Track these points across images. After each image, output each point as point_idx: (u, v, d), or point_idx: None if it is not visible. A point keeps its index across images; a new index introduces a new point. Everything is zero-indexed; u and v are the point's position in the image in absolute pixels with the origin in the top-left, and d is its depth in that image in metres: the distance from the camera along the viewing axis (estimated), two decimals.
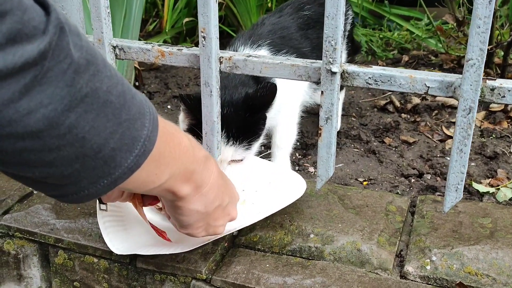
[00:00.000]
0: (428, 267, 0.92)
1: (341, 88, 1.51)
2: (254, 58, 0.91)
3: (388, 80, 0.84)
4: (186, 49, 0.94)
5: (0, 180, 1.19)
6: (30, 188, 1.17)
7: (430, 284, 0.90)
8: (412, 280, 0.92)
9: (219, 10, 2.07)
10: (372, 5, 2.22)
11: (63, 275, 1.04)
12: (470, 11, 1.76)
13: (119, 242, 0.97)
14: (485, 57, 0.75)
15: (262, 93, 1.03)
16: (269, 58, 0.90)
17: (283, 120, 1.24)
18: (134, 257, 0.98)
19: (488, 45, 1.76)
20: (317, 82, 0.87)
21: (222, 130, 1.00)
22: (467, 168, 0.85)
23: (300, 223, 1.04)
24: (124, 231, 0.99)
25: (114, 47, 0.97)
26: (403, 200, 1.13)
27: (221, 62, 0.91)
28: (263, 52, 1.18)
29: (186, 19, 2.01)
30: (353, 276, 0.92)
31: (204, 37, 0.88)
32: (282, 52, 1.19)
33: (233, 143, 1.06)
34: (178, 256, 0.96)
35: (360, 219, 1.04)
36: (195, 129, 1.06)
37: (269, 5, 2.01)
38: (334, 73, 0.84)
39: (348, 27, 1.44)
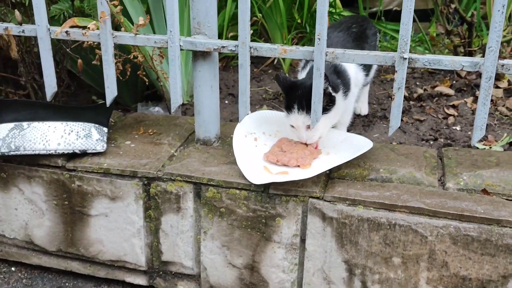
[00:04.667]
0: (461, 183, 1.45)
1: (366, 84, 2.05)
2: (349, 51, 1.42)
3: (438, 62, 1.36)
4: (301, 47, 1.44)
5: (147, 145, 1.65)
6: (173, 151, 1.63)
7: (464, 192, 1.42)
8: (452, 191, 1.43)
9: (254, 25, 2.58)
10: (374, 22, 2.78)
11: (211, 204, 1.51)
12: (456, 25, 2.34)
13: (255, 176, 1.45)
14: (499, 46, 1.28)
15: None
16: (359, 51, 1.41)
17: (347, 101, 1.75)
18: (267, 186, 1.46)
19: (469, 48, 2.34)
20: (392, 66, 1.39)
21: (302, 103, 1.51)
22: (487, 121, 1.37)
23: (371, 163, 1.54)
24: (256, 169, 1.49)
25: (250, 47, 1.46)
26: (433, 150, 1.65)
27: (326, 55, 1.41)
28: None
29: (231, 34, 2.51)
30: (415, 190, 1.43)
31: (319, 38, 1.38)
32: None
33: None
34: (297, 183, 1.45)
35: (409, 160, 1.56)
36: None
37: (299, 21, 2.53)
38: (405, 59, 1.36)
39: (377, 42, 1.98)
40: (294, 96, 1.53)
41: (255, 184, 1.44)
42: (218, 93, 1.64)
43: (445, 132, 1.92)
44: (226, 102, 2.30)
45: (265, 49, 1.47)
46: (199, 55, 1.55)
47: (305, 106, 1.50)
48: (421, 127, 1.97)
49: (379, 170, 1.51)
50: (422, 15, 2.75)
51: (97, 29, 1.54)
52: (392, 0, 3.06)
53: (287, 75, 2.47)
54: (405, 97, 2.22)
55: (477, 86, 2.23)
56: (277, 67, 2.64)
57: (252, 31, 2.56)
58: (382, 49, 2.73)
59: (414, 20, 1.34)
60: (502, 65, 1.32)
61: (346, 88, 1.63)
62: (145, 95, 2.35)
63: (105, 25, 1.53)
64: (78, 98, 2.36)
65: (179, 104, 1.57)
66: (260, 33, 2.69)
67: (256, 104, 2.23)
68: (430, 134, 1.91)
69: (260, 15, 2.52)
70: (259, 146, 1.61)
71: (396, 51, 1.37)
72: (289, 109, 1.53)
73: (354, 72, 1.72)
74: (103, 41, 1.55)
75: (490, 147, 1.82)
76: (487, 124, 1.96)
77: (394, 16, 2.86)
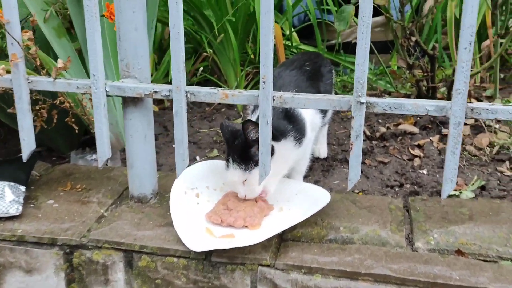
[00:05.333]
0: (432, 242, 1.26)
1: (325, 125, 1.87)
2: (298, 95, 1.23)
3: (399, 107, 1.19)
4: (245, 91, 1.25)
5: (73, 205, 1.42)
6: (103, 211, 1.41)
7: (435, 253, 1.24)
8: (422, 252, 1.25)
9: (204, 60, 2.40)
10: (332, 55, 2.64)
11: (145, 275, 1.29)
12: (417, 58, 2.20)
13: (196, 242, 1.24)
14: (468, 87, 1.12)
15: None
16: (310, 95, 1.23)
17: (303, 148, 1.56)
18: (209, 253, 1.25)
19: (432, 83, 2.21)
20: (347, 111, 1.21)
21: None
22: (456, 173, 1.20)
23: (330, 220, 1.35)
24: (197, 232, 1.27)
25: (186, 92, 1.27)
26: (398, 201, 1.47)
27: (273, 99, 1.23)
28: None
29: None
30: (380, 253, 1.23)
31: (264, 82, 1.20)
32: None
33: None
34: (245, 249, 1.24)
35: (373, 215, 1.37)
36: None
37: (252, 56, 2.36)
38: (362, 103, 1.18)
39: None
40: (232, 147, 1.34)
41: (195, 251, 1.23)
42: (154, 143, 1.44)
43: (411, 176, 1.75)
44: (174, 146, 2.09)
45: (203, 93, 1.27)
46: (129, 101, 1.35)
47: (241, 158, 1.31)
48: (385, 171, 1.80)
49: (339, 228, 1.32)
50: (382, 47, 2.62)
51: (8, 73, 1.32)
52: (351, 32, 2.92)
53: (239, 117, 2.28)
54: (367, 136, 2.06)
55: (443, 123, 2.08)
56: (232, 105, 2.45)
57: (202, 68, 2.38)
58: (341, 83, 2.58)
59: (373, 52, 1.16)
60: (472, 109, 1.16)
61: (300, 134, 1.44)
62: (83, 140, 2.12)
63: (18, 69, 1.31)
64: (8, 144, 2.12)
65: (107, 158, 1.36)
66: (211, 69, 2.51)
67: (205, 147, 2.03)
68: (395, 179, 1.74)
69: (211, 50, 2.34)
70: (201, 204, 1.41)
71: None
72: (227, 161, 1.34)
73: (310, 115, 1.54)
74: (16, 87, 1.34)
75: (461, 192, 1.65)
76: None
77: (354, 48, 2.71)
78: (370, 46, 1.17)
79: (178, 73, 1.25)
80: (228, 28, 2.28)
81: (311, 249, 1.25)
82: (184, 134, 1.30)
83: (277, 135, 1.36)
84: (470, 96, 2.18)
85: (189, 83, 2.39)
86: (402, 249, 1.26)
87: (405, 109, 1.19)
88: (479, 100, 2.23)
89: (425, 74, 2.21)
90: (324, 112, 1.64)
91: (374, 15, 1.18)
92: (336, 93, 2.46)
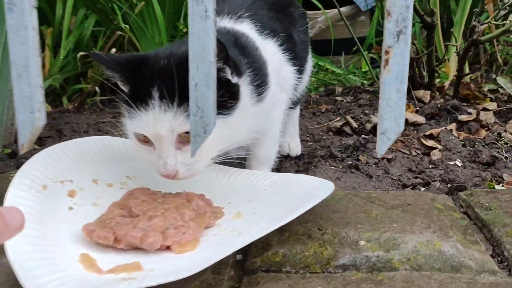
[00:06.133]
0: None
1: (295, 104, 1.24)
2: None
3: None
4: None
5: None
6: None
7: None
8: None
9: (118, 41, 1.72)
10: None
11: None
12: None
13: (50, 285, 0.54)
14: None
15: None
16: None
17: (267, 124, 0.91)
18: None
19: (429, 66, 1.63)
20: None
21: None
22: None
23: (336, 229, 0.68)
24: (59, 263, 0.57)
25: None
26: (444, 197, 0.83)
27: None
28: (246, 26, 0.89)
29: (81, 53, 1.62)
30: (459, 285, 0.57)
31: None
32: (266, 32, 0.91)
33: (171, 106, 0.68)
34: None
35: (416, 217, 0.71)
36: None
37: (185, 30, 1.71)
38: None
39: None
40: (148, 78, 0.66)
41: None
42: None
43: (436, 173, 1.11)
44: None
45: None
46: None
47: (175, 94, 0.65)
48: (392, 169, 1.16)
49: (357, 243, 0.65)
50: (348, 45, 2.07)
51: None
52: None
53: None
54: (355, 130, 1.42)
55: (455, 108, 1.48)
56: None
57: (116, 51, 1.70)
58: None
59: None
60: None
61: (260, 77, 0.80)
62: None
63: None
64: None
65: None
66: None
67: None
68: (410, 177, 1.10)
69: (127, 26, 1.67)
70: (79, 209, 0.70)
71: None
72: (138, 102, 0.67)
73: (275, 59, 0.91)
74: None
75: None
76: (495, 159, 1.19)
77: (312, 47, 2.12)
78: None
79: None
80: None
81: (309, 286, 0.57)
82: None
83: (238, 68, 0.72)
84: (475, 97, 1.60)
85: (99, 74, 1.71)
86: (495, 276, 0.60)
87: None
88: (484, 95, 1.66)
89: (417, 56, 1.64)
90: (300, 63, 1.01)
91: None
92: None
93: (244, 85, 0.76)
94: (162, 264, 0.60)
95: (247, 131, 0.77)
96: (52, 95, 1.77)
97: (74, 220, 0.67)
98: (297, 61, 1.01)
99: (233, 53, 0.76)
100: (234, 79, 0.73)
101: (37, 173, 0.70)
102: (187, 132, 0.67)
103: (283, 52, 0.95)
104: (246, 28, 0.90)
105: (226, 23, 0.90)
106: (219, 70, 0.70)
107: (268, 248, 0.65)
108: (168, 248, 0.63)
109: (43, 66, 1.76)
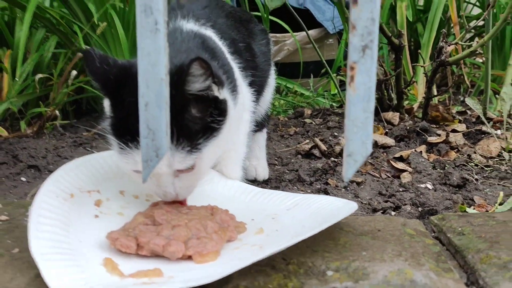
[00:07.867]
0: None
1: (262, 126, 1.21)
2: None
3: None
4: None
5: None
6: None
7: None
8: None
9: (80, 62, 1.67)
10: None
11: None
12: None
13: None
14: None
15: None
16: None
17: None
18: None
19: (398, 88, 1.62)
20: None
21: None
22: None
23: (302, 258, 0.64)
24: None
25: None
26: (415, 222, 0.79)
27: None
28: (210, 33, 0.86)
29: (40, 75, 1.56)
30: None
31: None
32: (227, 41, 0.89)
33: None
34: None
35: (387, 244, 0.67)
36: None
37: None
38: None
39: None
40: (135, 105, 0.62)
41: None
42: None
43: (407, 196, 1.08)
44: (23, 179, 1.30)
45: None
46: None
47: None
48: (361, 192, 1.13)
49: (324, 272, 0.61)
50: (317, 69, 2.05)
51: None
52: (278, 51, 2.32)
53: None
54: (324, 153, 1.39)
55: (425, 130, 1.46)
56: None
57: (76, 73, 1.64)
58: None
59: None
60: None
61: (232, 82, 0.79)
62: None
63: None
64: None
65: None
66: None
67: None
68: (383, 201, 1.07)
69: (88, 48, 1.61)
70: (104, 217, 0.73)
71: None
72: (128, 137, 0.63)
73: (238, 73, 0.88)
74: None
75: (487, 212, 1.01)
76: (465, 181, 1.16)
77: (280, 70, 2.08)
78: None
79: None
80: (114, 17, 1.60)
81: None
82: None
83: (221, 80, 0.69)
84: (444, 119, 1.59)
85: (61, 96, 1.65)
86: None
87: None
88: (452, 117, 1.65)
89: (385, 77, 1.63)
90: (262, 75, 0.99)
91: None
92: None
93: (227, 94, 0.73)
94: (182, 272, 0.61)
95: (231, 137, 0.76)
96: (10, 119, 1.69)
97: (99, 228, 0.69)
98: (258, 71, 0.99)
99: (207, 58, 0.72)
100: (222, 95, 0.69)
101: (65, 182, 0.73)
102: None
103: (243, 74, 0.92)
104: (211, 34, 0.88)
105: (192, 26, 0.86)
106: (206, 88, 0.66)
107: (229, 281, 0.60)
108: (189, 257, 0.64)
109: (1, 89, 1.69)
